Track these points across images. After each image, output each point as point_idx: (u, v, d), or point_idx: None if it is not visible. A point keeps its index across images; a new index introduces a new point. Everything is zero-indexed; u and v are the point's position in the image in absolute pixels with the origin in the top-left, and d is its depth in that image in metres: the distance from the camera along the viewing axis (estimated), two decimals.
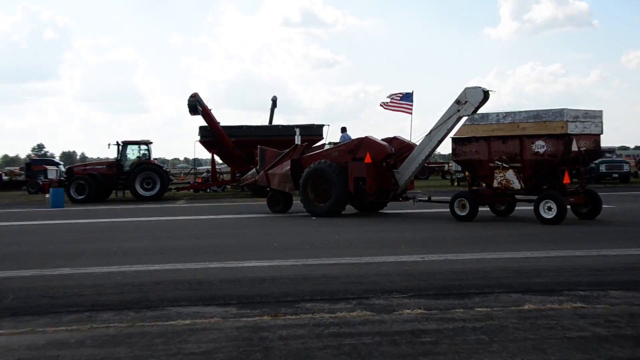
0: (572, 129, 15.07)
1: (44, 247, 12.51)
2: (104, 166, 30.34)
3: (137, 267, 9.64)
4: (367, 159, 17.77)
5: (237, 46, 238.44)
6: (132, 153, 30.97)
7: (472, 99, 16.58)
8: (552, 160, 15.21)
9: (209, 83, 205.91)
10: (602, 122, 16.03)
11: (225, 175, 40.77)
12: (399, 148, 18.45)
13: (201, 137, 30.96)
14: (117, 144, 30.43)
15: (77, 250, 11.68)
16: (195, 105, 29.33)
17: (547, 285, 7.87)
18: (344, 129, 25.31)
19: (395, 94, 22.67)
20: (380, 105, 22.73)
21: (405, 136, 19.40)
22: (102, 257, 10.75)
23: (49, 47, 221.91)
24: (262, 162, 20.28)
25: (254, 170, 21.24)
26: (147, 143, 31.10)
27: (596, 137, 15.95)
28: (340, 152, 18.51)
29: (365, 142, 18.17)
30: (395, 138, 18.91)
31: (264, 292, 7.79)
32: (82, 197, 28.46)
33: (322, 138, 29.92)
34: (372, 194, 18.01)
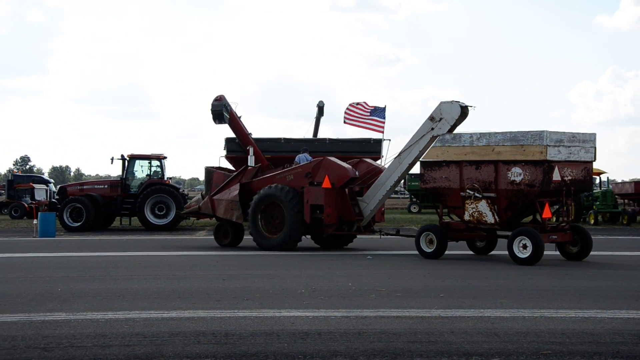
0: (553, 154, 15.96)
1: (32, 286, 12.93)
2: (106, 186, 31.12)
3: (149, 314, 9.91)
4: (326, 184, 18.68)
5: (273, 37, 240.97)
6: (141, 170, 31.69)
7: (447, 116, 17.43)
8: (529, 191, 16.07)
9: (237, 83, 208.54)
10: (594, 148, 16.81)
11: None
12: (365, 172, 19.50)
13: (227, 151, 31.29)
14: (122, 159, 31.12)
15: (74, 291, 12.05)
16: (221, 111, 29.78)
17: None
18: (304, 150, 25.96)
19: (360, 104, 23.17)
20: (344, 119, 23.37)
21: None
22: (105, 300, 11.08)
23: (34, 34, 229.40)
24: (209, 185, 21.30)
25: (198, 196, 22.19)
26: (160, 158, 31.76)
27: (586, 165, 16.82)
28: (296, 175, 19.51)
29: (324, 164, 19.19)
30: (362, 161, 20.09)
31: (308, 350, 7.92)
32: (78, 224, 29.26)
33: (380, 156, 30.03)
34: (330, 225, 18.97)
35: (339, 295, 11.69)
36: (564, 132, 16.35)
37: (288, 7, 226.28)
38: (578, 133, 16.65)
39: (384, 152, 30.26)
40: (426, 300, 11.21)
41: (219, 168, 22.25)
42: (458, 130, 17.71)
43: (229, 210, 20.24)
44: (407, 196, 57.21)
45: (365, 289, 12.31)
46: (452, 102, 17.51)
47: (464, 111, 17.46)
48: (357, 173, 19.33)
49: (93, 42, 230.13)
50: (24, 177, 58.87)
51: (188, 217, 26.36)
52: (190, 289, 12.30)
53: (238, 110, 27.84)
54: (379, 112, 22.48)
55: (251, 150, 27.77)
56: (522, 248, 15.99)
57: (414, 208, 46.74)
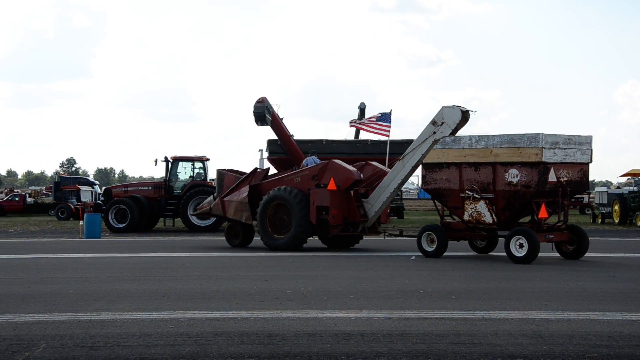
0: (549, 156, 16.56)
1: (79, 286, 13.16)
2: (150, 187, 31.51)
3: (193, 314, 10.02)
4: (331, 186, 19.29)
5: (313, 39, 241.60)
6: (184, 172, 32.03)
7: (449, 120, 17.84)
8: (525, 192, 16.67)
9: (278, 85, 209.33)
10: (590, 150, 17.43)
11: None
12: (371, 175, 20.05)
13: (270, 153, 31.58)
14: (166, 160, 31.48)
15: (120, 291, 12.24)
16: (263, 113, 29.97)
17: None
18: (313, 152, 26.01)
19: (372, 117, 23.71)
20: (350, 123, 23.41)
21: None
22: (150, 301, 11.23)
23: (79, 38, 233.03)
24: (220, 187, 22.01)
25: (210, 197, 22.82)
26: (203, 160, 32.07)
27: (582, 167, 17.39)
28: (303, 177, 20.18)
29: (330, 167, 19.85)
30: (368, 164, 20.61)
31: (351, 351, 7.94)
32: (123, 225, 29.66)
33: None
34: (335, 226, 19.53)
35: (382, 296, 11.67)
36: (560, 135, 16.91)
37: (328, 9, 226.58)
38: (574, 135, 17.20)
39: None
40: (469, 301, 11.14)
41: (230, 170, 22.77)
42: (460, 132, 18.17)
43: (239, 211, 20.90)
44: None
45: (408, 290, 12.27)
46: (453, 106, 17.89)
47: (464, 115, 17.83)
48: (361, 175, 19.90)
49: (135, 45, 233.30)
50: (70, 179, 59.96)
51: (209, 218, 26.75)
52: (233, 290, 12.40)
53: (280, 112, 28.02)
54: (385, 117, 22.91)
55: (261, 152, 28.40)
56: (519, 247, 16.56)
57: None
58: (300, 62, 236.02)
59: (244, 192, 20.81)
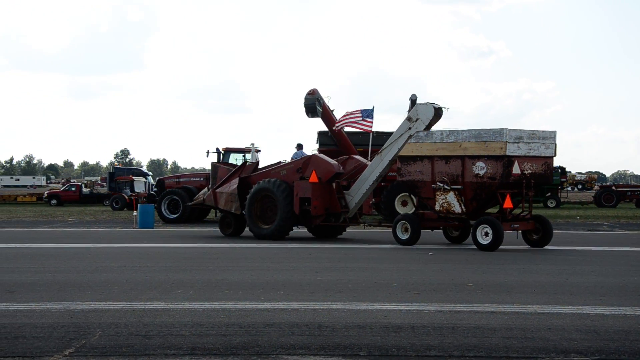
0: (512, 150, 17.53)
1: (132, 275, 13.38)
2: (202, 178, 31.76)
3: (244, 305, 10.09)
4: (313, 178, 20.36)
5: (363, 31, 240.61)
6: (235, 163, 32.22)
7: (423, 116, 19.37)
8: (491, 183, 17.65)
9: (328, 77, 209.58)
10: (555, 144, 18.43)
11: None
12: (353, 168, 21.20)
13: (320, 144, 31.58)
14: (217, 152, 31.78)
15: (172, 281, 12.39)
16: (314, 105, 29.93)
17: None
18: (299, 146, 27.19)
19: (352, 112, 24.90)
20: (335, 127, 24.60)
21: None
22: (202, 291, 11.35)
23: (132, 31, 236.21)
24: (214, 180, 23.10)
25: (205, 189, 24.02)
26: (254, 151, 32.24)
27: (547, 160, 18.40)
28: (289, 170, 21.32)
29: (313, 160, 21.04)
30: (351, 157, 21.90)
31: (401, 343, 7.91)
32: (176, 215, 30.03)
33: None
34: (317, 217, 20.59)
35: (432, 289, 11.61)
36: (524, 130, 17.94)
37: (379, 0, 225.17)
38: (538, 130, 18.21)
39: None
40: (521, 295, 11.01)
41: (224, 163, 24.32)
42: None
43: (229, 202, 21.91)
44: None
45: (458, 283, 12.17)
46: (426, 104, 19.44)
47: (437, 112, 19.32)
48: (341, 168, 21.12)
49: (187, 38, 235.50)
50: (124, 170, 60.99)
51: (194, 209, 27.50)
52: (284, 281, 12.46)
53: (330, 103, 27.98)
54: (368, 113, 23.96)
55: (253, 146, 30.15)
56: (485, 235, 17.42)
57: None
58: (351, 54, 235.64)
59: (234, 184, 21.86)
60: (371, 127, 24.67)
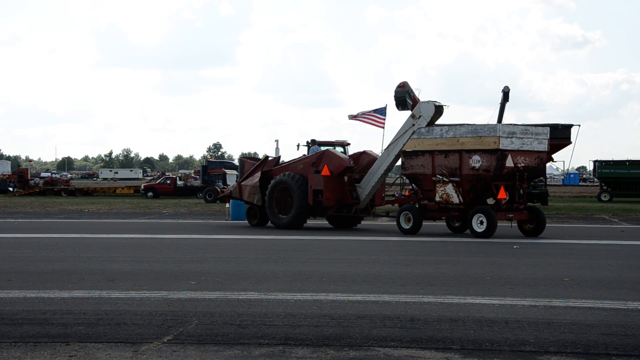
0: (506, 144, 18.63)
1: (226, 265, 13.64)
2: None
3: (336, 296, 10.13)
4: (325, 172, 21.70)
5: (453, 21, 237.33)
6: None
7: (425, 114, 20.70)
8: (486, 175, 18.76)
9: (417, 70, 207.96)
10: (547, 140, 19.58)
11: None
12: (367, 162, 22.38)
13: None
14: (308, 145, 31.96)
15: (265, 272, 12.56)
16: (405, 98, 29.71)
17: None
18: (313, 142, 29.56)
19: (367, 111, 25.99)
20: (349, 117, 25.51)
21: None
22: (294, 282, 11.46)
23: (225, 26, 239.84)
24: (241, 173, 24.66)
25: (234, 182, 25.78)
26: (344, 145, 32.36)
27: (540, 154, 19.50)
28: (305, 164, 22.63)
29: (325, 155, 22.48)
30: (364, 152, 23.12)
31: (495, 338, 7.79)
32: None
33: (569, 142, 28.97)
34: (329, 208, 21.92)
35: (525, 283, 11.37)
36: (517, 125, 19.26)
37: None
38: (531, 126, 19.64)
39: (572, 137, 29.21)
40: (621, 292, 10.66)
41: (250, 158, 26.07)
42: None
43: (252, 194, 23.34)
44: (597, 184, 54.37)
45: (553, 278, 11.89)
46: (428, 102, 20.75)
47: (438, 109, 20.63)
48: (352, 162, 22.49)
49: (278, 32, 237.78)
50: (217, 163, 62.07)
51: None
52: (375, 273, 12.45)
53: (421, 96, 27.74)
54: (380, 111, 24.66)
55: (277, 142, 32.04)
56: (480, 224, 18.62)
57: (605, 196, 44.47)
58: (441, 46, 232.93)
59: (256, 177, 23.30)
60: (383, 123, 25.81)
